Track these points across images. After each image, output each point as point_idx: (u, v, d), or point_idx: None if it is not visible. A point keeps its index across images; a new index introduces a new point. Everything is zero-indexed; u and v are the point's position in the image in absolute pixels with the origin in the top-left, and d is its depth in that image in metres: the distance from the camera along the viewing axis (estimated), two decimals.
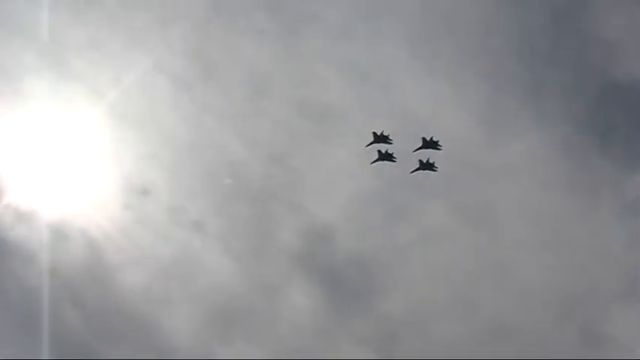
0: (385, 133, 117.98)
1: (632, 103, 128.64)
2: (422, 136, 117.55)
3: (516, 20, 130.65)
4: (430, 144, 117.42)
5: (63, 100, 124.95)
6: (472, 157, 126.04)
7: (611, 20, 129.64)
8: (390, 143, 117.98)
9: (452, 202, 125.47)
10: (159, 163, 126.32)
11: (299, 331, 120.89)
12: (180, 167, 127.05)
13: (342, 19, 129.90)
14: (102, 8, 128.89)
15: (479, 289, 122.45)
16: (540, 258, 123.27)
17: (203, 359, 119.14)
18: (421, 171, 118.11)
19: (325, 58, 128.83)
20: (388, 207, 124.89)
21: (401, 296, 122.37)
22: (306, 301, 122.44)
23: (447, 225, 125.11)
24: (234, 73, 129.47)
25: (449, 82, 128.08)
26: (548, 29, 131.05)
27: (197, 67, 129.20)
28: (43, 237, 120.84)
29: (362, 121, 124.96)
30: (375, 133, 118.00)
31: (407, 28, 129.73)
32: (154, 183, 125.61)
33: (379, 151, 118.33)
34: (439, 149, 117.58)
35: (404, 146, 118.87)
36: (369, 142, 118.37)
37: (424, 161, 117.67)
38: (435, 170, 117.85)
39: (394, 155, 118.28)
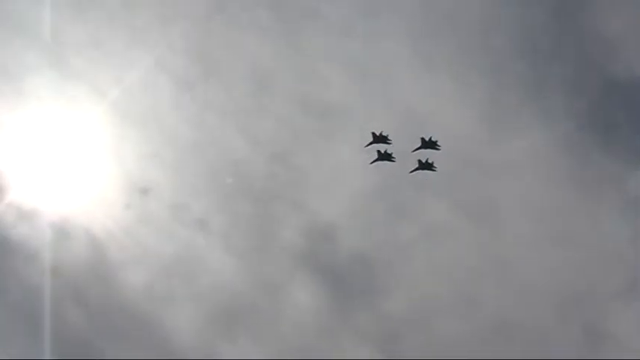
0: (384, 134, 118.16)
1: (634, 99, 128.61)
2: (421, 136, 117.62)
3: (518, 17, 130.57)
4: (429, 144, 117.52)
5: (64, 99, 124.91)
6: (474, 153, 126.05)
7: (614, 17, 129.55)
8: (389, 143, 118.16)
9: (454, 200, 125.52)
10: (161, 161, 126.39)
11: (302, 329, 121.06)
12: (183, 165, 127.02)
13: (344, 16, 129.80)
14: (103, 7, 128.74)
15: (481, 287, 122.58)
16: (543, 255, 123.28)
17: (207, 359, 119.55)
18: (421, 170, 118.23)
19: (327, 55, 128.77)
20: (391, 205, 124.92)
21: (404, 294, 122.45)
22: (309, 299, 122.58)
23: (450, 222, 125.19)
24: (236, 71, 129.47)
25: (451, 79, 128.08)
26: (550, 26, 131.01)
27: (199, 65, 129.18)
28: (46, 236, 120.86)
29: (364, 119, 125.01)
30: (374, 134, 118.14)
31: (409, 25, 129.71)
32: (156, 181, 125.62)
33: (378, 151, 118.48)
34: (438, 149, 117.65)
35: (406, 144, 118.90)
36: (368, 141, 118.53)
37: (423, 161, 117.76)
38: (434, 170, 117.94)
39: (393, 155, 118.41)
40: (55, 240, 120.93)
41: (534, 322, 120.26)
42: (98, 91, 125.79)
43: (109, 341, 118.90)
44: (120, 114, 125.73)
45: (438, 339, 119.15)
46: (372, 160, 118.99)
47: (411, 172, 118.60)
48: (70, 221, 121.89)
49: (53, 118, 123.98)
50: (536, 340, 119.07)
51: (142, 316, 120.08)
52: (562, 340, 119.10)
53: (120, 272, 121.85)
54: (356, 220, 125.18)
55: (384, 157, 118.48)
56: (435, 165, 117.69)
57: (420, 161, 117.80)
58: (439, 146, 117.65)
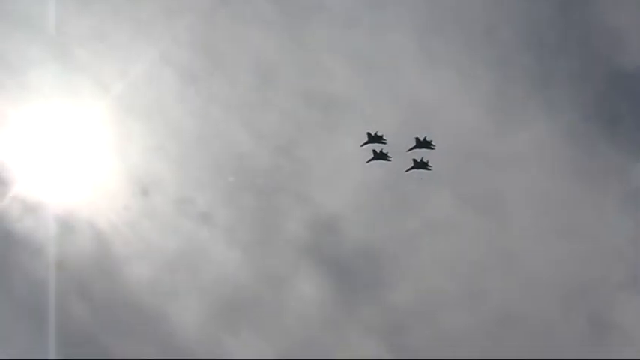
0: (379, 134, 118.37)
1: (639, 91, 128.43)
2: (415, 136, 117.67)
3: (523, 10, 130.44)
4: (424, 144, 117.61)
5: (69, 92, 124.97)
6: (480, 146, 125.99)
7: (618, 9, 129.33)
8: (384, 143, 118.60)
9: (459, 192, 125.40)
10: (165, 155, 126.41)
11: (306, 321, 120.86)
12: (187, 159, 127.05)
13: (348, 9, 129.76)
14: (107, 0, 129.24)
15: (486, 279, 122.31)
16: (548, 247, 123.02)
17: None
18: (416, 170, 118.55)
19: (332, 47, 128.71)
20: (395, 197, 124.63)
21: (409, 286, 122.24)
22: (314, 291, 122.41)
23: (455, 214, 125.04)
24: (240, 64, 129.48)
25: (456, 71, 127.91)
26: (555, 18, 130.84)
27: (203, 59, 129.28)
28: (50, 229, 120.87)
29: (369, 111, 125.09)
30: (369, 134, 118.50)
31: (414, 18, 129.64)
32: (160, 175, 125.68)
33: (374, 151, 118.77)
34: (432, 149, 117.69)
35: (410, 138, 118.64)
36: (364, 141, 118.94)
37: (418, 160, 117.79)
38: (429, 169, 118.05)
39: (389, 155, 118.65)
40: (59, 234, 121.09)
41: (539, 314, 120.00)
42: (102, 84, 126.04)
43: (113, 335, 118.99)
44: (124, 107, 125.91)
45: (444, 330, 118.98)
46: (368, 159, 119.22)
47: (407, 171, 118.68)
48: (75, 215, 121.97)
49: (57, 111, 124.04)
50: (542, 333, 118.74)
51: (146, 310, 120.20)
52: (567, 332, 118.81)
53: (125, 266, 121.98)
54: (360, 212, 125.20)
55: (380, 156, 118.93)
56: (430, 164, 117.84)
57: (415, 160, 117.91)
58: (434, 146, 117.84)
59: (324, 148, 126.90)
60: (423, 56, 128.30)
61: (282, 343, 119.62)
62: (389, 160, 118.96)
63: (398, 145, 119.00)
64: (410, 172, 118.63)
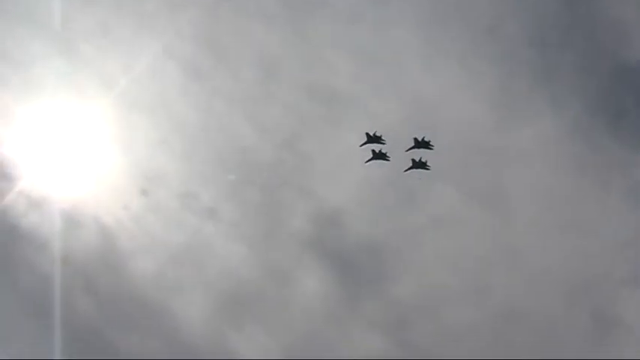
0: (378, 134, 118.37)
1: None
2: (414, 136, 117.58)
3: (527, 4, 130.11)
4: (422, 144, 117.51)
5: (73, 87, 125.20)
6: (484, 141, 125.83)
7: (623, 3, 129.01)
8: (383, 143, 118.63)
9: (463, 187, 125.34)
10: (169, 149, 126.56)
11: (310, 315, 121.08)
12: (191, 153, 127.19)
13: (351, 4, 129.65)
14: None
15: (490, 274, 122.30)
16: (551, 242, 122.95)
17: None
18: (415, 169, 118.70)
19: (335, 42, 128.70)
20: (399, 191, 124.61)
21: (412, 280, 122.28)
22: (317, 285, 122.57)
23: (459, 209, 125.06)
24: (243, 59, 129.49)
25: (460, 66, 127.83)
26: (559, 13, 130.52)
27: (207, 53, 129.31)
28: (56, 224, 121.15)
29: (372, 106, 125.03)
30: (368, 134, 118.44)
31: (417, 13, 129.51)
32: (164, 169, 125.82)
33: (373, 151, 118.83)
34: (431, 149, 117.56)
35: (414, 134, 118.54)
36: (363, 141, 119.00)
37: (417, 160, 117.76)
38: (427, 169, 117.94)
39: (388, 155, 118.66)
40: (65, 228, 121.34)
41: (543, 309, 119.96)
42: (106, 78, 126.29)
43: (118, 329, 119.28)
44: (128, 101, 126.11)
45: (447, 325, 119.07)
46: (367, 159, 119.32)
47: (405, 171, 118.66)
48: (80, 209, 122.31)
49: (62, 106, 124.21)
50: (545, 328, 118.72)
51: (151, 304, 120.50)
52: (571, 327, 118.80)
53: (129, 260, 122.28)
54: (364, 206, 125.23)
55: (379, 156, 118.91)
56: (428, 164, 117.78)
57: (414, 160, 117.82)
58: (432, 146, 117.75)
59: (328, 142, 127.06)
60: (427, 51, 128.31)
61: (286, 337, 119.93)
62: (388, 160, 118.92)
63: (398, 145, 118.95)
64: (408, 172, 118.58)
